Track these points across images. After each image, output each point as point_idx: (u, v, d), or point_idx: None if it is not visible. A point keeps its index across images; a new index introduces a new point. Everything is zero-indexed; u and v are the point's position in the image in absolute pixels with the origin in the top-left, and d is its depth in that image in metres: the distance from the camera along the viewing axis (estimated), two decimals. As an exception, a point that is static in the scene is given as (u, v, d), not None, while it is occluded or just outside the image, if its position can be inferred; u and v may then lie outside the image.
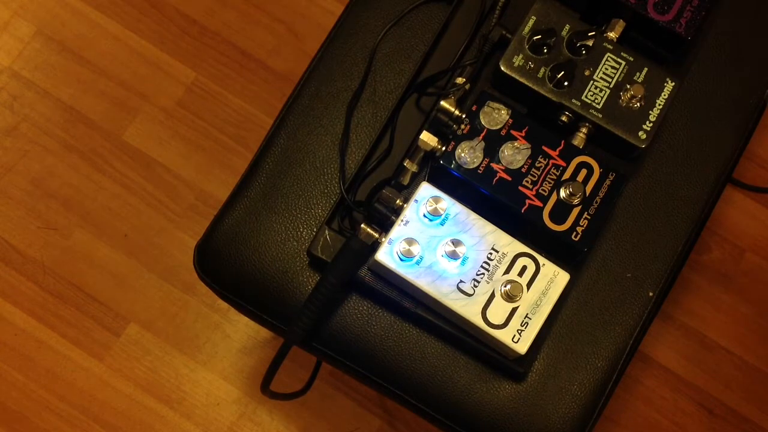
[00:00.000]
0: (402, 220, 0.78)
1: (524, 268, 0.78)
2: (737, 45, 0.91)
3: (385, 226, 0.79)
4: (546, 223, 0.79)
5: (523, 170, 0.80)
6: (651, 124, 0.83)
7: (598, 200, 0.80)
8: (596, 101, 0.82)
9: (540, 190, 0.80)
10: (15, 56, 1.36)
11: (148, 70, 1.37)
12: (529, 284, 0.78)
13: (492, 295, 0.78)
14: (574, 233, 0.80)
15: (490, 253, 0.78)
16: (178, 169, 1.33)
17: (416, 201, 0.79)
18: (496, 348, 0.80)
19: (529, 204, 0.80)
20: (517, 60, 0.83)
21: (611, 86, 0.83)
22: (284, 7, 1.40)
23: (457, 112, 0.81)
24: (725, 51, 0.91)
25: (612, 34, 0.85)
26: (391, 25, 0.89)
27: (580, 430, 0.84)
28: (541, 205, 0.80)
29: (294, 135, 0.87)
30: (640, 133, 0.82)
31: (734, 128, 0.90)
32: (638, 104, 0.83)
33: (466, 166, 0.80)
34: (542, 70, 0.83)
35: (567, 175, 0.81)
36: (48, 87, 1.35)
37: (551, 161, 0.81)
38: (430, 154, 0.82)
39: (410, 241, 0.77)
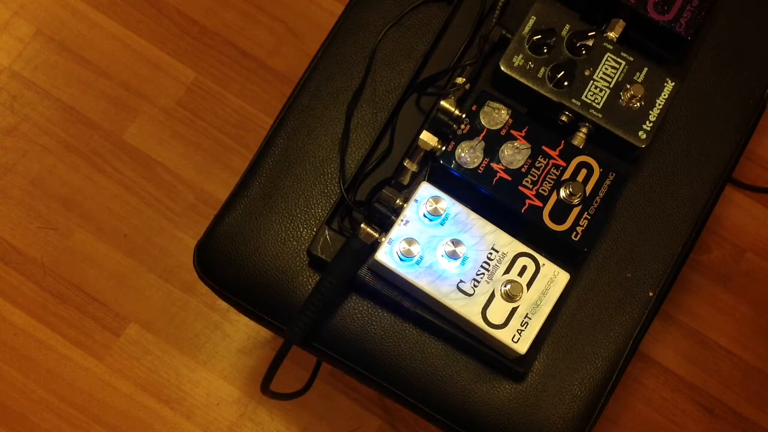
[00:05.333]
0: (402, 220, 0.78)
1: (524, 268, 0.79)
2: (737, 45, 0.91)
3: (385, 226, 0.79)
4: (546, 223, 0.79)
5: (523, 170, 0.80)
6: (651, 124, 0.83)
7: (598, 200, 0.80)
8: (596, 101, 0.82)
9: (540, 190, 0.80)
10: (15, 56, 1.36)
11: (148, 70, 1.37)
12: (529, 284, 0.78)
13: (492, 295, 0.78)
14: (574, 233, 0.80)
15: (490, 253, 0.78)
16: (178, 169, 1.33)
17: (416, 201, 0.79)
18: (496, 348, 0.80)
19: (529, 204, 0.80)
20: (517, 60, 0.83)
21: (611, 86, 0.83)
22: (284, 7, 1.40)
23: (457, 112, 0.81)
24: (725, 51, 0.91)
25: (612, 34, 0.85)
26: (391, 25, 0.89)
27: (580, 430, 0.84)
28: (541, 205, 0.80)
29: (294, 135, 0.87)
30: (640, 133, 0.82)
31: (734, 128, 0.90)
32: (638, 104, 0.83)
33: (466, 166, 0.80)
34: (542, 70, 0.83)
35: (567, 175, 0.81)
36: (48, 87, 1.35)
37: (551, 161, 0.81)
38: (430, 154, 0.82)
39: (410, 241, 0.77)
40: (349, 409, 1.28)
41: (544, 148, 0.81)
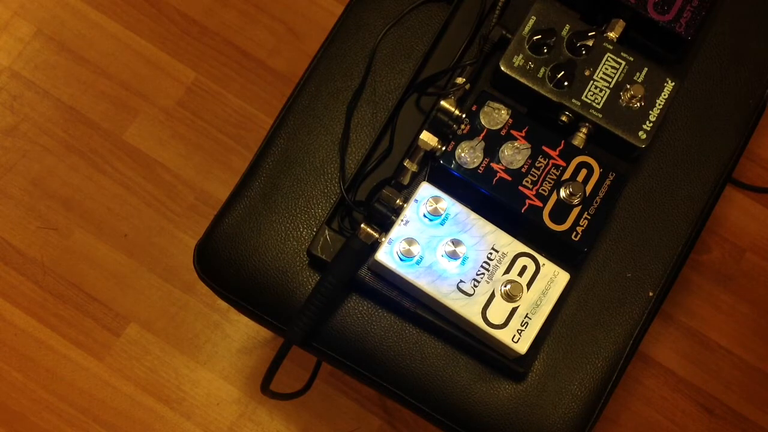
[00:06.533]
0: (402, 220, 0.78)
1: (524, 268, 0.79)
2: (737, 45, 0.91)
3: (385, 226, 0.79)
4: (546, 223, 0.79)
5: (523, 170, 0.80)
6: (651, 124, 0.83)
7: (598, 200, 0.80)
8: (596, 101, 0.82)
9: (540, 190, 0.80)
10: (15, 56, 1.36)
11: (148, 70, 1.37)
12: (529, 284, 0.78)
13: (492, 295, 0.78)
14: (574, 233, 0.80)
15: (490, 253, 0.78)
16: (178, 169, 1.33)
17: (416, 201, 0.79)
18: (496, 348, 0.80)
19: (529, 204, 0.80)
20: (517, 60, 0.83)
21: (611, 86, 0.83)
22: (284, 7, 1.40)
23: (457, 112, 0.81)
24: (725, 51, 0.91)
25: (612, 34, 0.85)
26: (391, 25, 0.89)
27: (580, 430, 0.84)
28: (541, 205, 0.80)
29: (294, 135, 0.87)
30: (640, 133, 0.82)
31: (734, 128, 0.90)
32: (638, 104, 0.83)
33: (466, 166, 0.80)
34: (542, 70, 0.83)
35: (567, 175, 0.81)
36: (48, 87, 1.35)
37: (551, 161, 0.81)
38: (430, 154, 0.82)
39: (410, 241, 0.77)
40: (349, 409, 1.28)
41: (544, 148, 0.81)
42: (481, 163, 0.80)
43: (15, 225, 1.31)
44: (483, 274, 0.78)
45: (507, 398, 0.83)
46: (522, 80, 0.82)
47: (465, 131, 0.81)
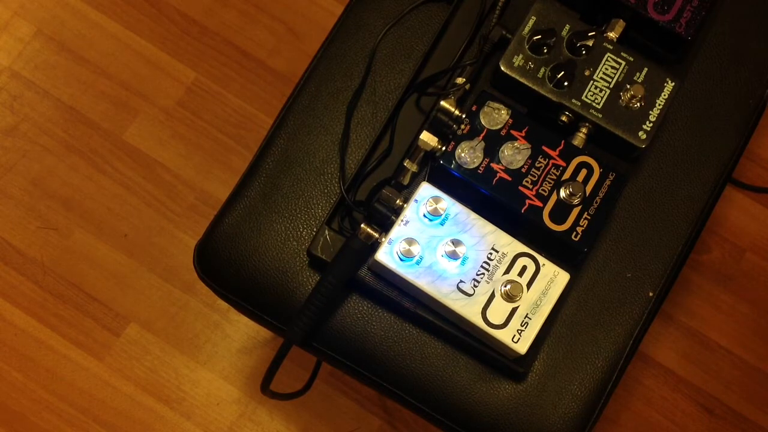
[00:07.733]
0: (402, 220, 0.78)
1: (524, 268, 0.79)
2: (737, 45, 0.91)
3: (385, 226, 0.79)
4: (546, 223, 0.79)
5: (523, 170, 0.80)
6: (651, 124, 0.83)
7: (598, 200, 0.80)
8: (596, 101, 0.82)
9: (540, 190, 0.80)
10: (15, 56, 1.36)
11: (148, 70, 1.37)
12: (529, 284, 0.78)
13: (492, 295, 0.78)
14: (574, 233, 0.80)
15: (490, 253, 0.78)
16: (178, 169, 1.33)
17: (416, 201, 0.79)
18: (496, 348, 0.80)
19: (529, 204, 0.80)
20: (517, 60, 0.83)
21: (611, 86, 0.83)
22: (284, 7, 1.40)
23: (457, 112, 0.81)
24: (725, 51, 0.91)
25: (612, 34, 0.85)
26: (391, 25, 0.89)
27: (580, 430, 0.84)
28: (541, 205, 0.80)
29: (294, 135, 0.87)
30: (640, 133, 0.82)
31: (734, 128, 0.90)
32: (638, 104, 0.83)
33: (466, 166, 0.80)
34: (542, 70, 0.83)
35: (567, 175, 0.81)
36: (48, 87, 1.35)
37: (551, 161, 0.81)
38: (430, 154, 0.82)
39: (410, 241, 0.77)
40: (349, 409, 1.28)
41: (544, 148, 0.81)
42: (481, 163, 0.80)
43: (15, 225, 1.31)
44: (483, 274, 0.78)
45: (507, 398, 0.83)
46: (522, 80, 0.82)
47: (465, 131, 0.81)
